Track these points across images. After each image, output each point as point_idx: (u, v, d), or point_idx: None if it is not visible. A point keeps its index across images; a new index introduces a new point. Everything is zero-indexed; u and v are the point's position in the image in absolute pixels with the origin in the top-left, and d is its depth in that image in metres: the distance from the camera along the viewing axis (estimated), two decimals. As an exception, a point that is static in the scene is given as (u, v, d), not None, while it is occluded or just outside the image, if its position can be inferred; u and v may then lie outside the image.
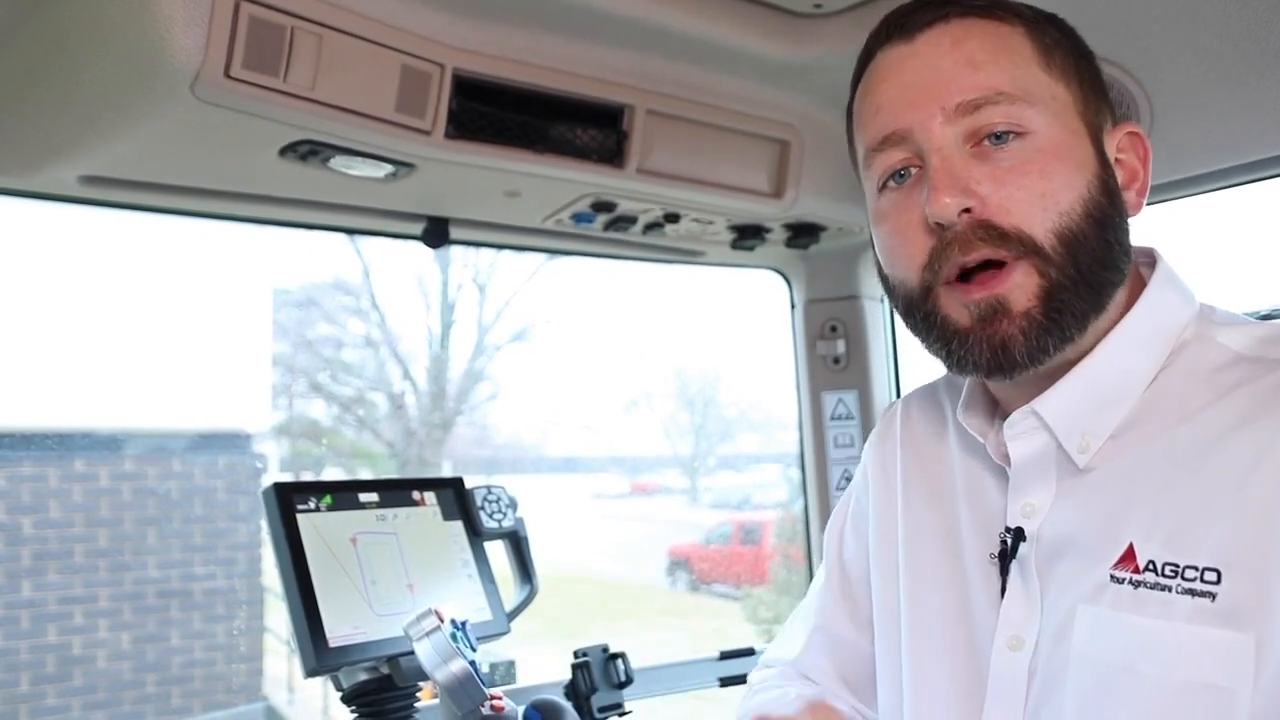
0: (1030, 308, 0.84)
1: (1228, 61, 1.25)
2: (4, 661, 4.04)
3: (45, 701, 4.08)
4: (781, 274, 2.14)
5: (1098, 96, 0.91)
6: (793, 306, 2.13)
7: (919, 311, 0.90)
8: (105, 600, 4.28)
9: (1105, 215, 0.86)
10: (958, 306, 0.87)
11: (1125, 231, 0.89)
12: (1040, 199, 0.83)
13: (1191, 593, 0.78)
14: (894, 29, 0.92)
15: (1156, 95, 1.34)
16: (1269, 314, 1.47)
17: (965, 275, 0.86)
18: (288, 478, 1.65)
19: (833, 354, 2.06)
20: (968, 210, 0.84)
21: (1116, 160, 0.91)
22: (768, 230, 1.83)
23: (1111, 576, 0.83)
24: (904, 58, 0.90)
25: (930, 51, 0.88)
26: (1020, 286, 0.84)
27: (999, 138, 0.85)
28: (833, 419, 2.07)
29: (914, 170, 0.89)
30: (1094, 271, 0.85)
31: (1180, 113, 1.35)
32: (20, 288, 4.24)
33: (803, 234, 1.85)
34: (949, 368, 0.92)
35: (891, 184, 0.91)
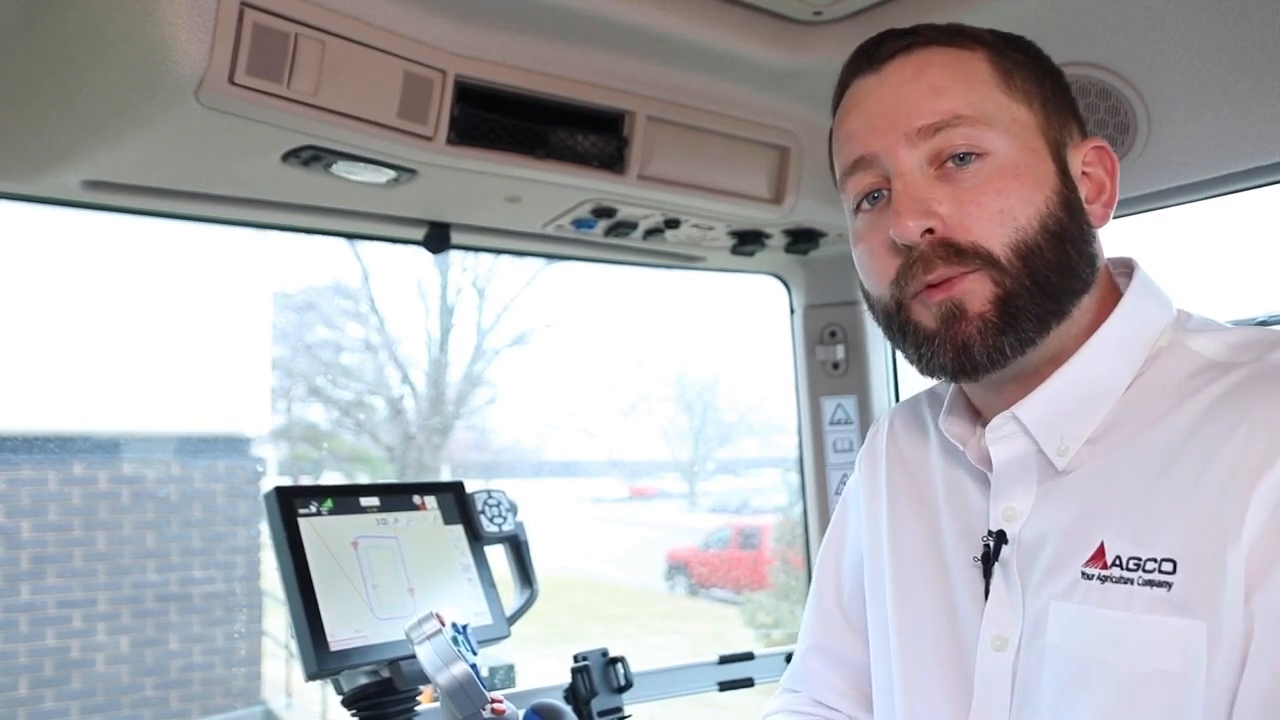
0: (985, 311, 0.88)
1: (1224, 69, 1.26)
2: (3, 665, 4.04)
3: (44, 705, 4.07)
4: (781, 279, 2.14)
5: (1062, 114, 0.95)
6: (792, 311, 2.14)
7: (894, 323, 0.96)
8: (104, 604, 4.28)
9: (1064, 229, 0.90)
10: (925, 312, 0.92)
11: (1087, 242, 0.92)
12: (998, 215, 0.88)
13: (1150, 583, 0.81)
14: (863, 60, 0.97)
15: (1153, 102, 1.34)
16: (1266, 320, 1.48)
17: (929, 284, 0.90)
18: (287, 481, 1.66)
19: (832, 359, 2.06)
20: (930, 231, 0.89)
21: (1083, 174, 0.95)
22: (767, 236, 1.83)
23: (1082, 573, 0.86)
24: (871, 87, 0.95)
25: (895, 80, 0.93)
26: (974, 292, 0.89)
27: (961, 159, 0.89)
28: (832, 424, 2.07)
29: (885, 193, 0.94)
30: (1050, 280, 0.89)
31: (1177, 120, 1.36)
32: (21, 291, 4.24)
33: (802, 239, 1.86)
34: (920, 371, 0.96)
35: (865, 205, 0.96)
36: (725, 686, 1.91)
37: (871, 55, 0.96)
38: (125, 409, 4.49)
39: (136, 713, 4.29)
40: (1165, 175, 1.46)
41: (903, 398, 1.41)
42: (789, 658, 1.27)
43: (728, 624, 8.14)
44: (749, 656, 1.94)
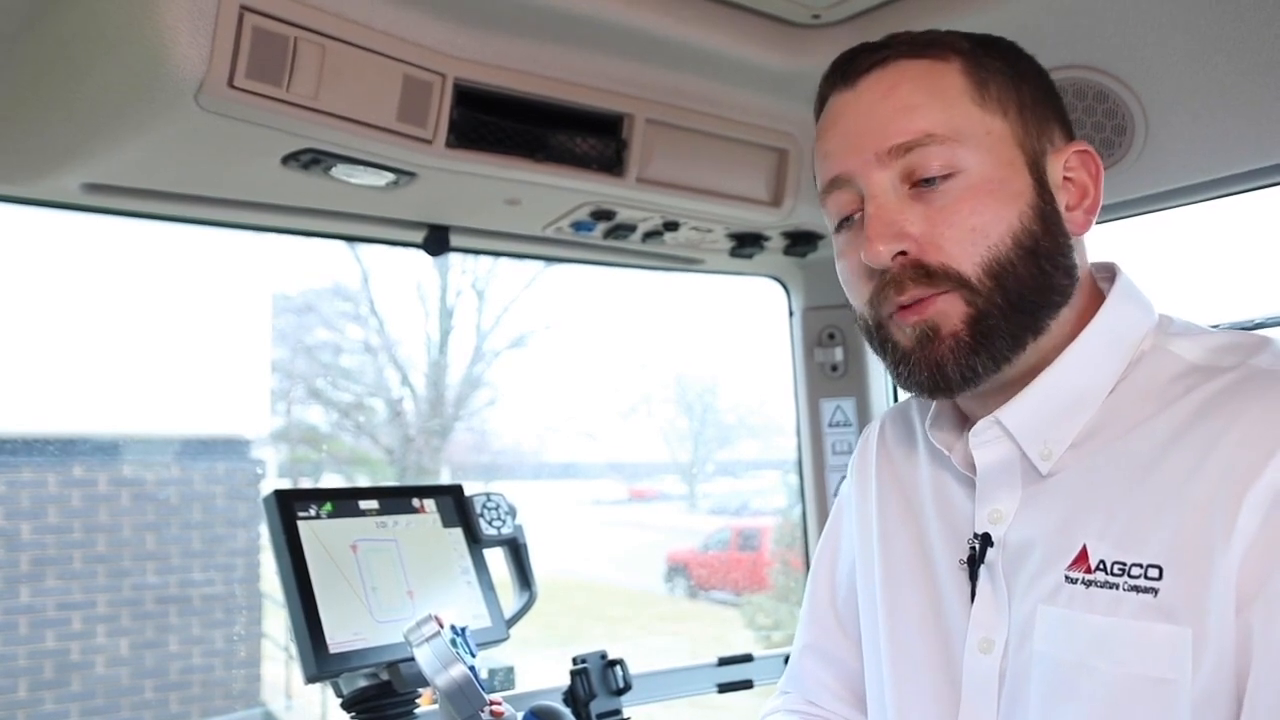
0: (957, 331, 0.89)
1: (1222, 71, 1.26)
2: (2, 667, 4.03)
3: (43, 707, 4.07)
4: (780, 281, 2.14)
5: (1042, 119, 0.94)
6: (791, 314, 2.14)
7: (875, 339, 0.97)
8: (104, 606, 4.27)
9: (1038, 244, 0.89)
10: (900, 332, 0.92)
11: (1064, 255, 0.92)
12: (970, 234, 0.88)
13: (1137, 589, 0.81)
14: (838, 76, 0.97)
15: (1151, 105, 1.35)
16: (1262, 323, 1.48)
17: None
18: (286, 483, 1.66)
19: (831, 361, 2.07)
20: (903, 253, 0.89)
21: (1066, 179, 0.94)
22: (766, 238, 1.84)
23: (1066, 577, 0.87)
24: (847, 104, 0.95)
25: (868, 97, 0.93)
26: (946, 313, 0.89)
27: (929, 181, 0.89)
28: (831, 426, 2.07)
29: (860, 214, 0.94)
30: (1024, 298, 0.89)
31: (1174, 123, 1.36)
32: (21, 293, 4.24)
33: (801, 242, 1.86)
34: (900, 386, 0.96)
35: (845, 224, 0.97)
36: (724, 688, 1.91)
37: (846, 70, 0.96)
38: (125, 411, 4.49)
39: (136, 715, 4.28)
40: (1163, 178, 1.46)
41: (900, 399, 1.41)
42: (788, 659, 1.27)
43: (727, 626, 8.14)
44: (748, 658, 1.94)
